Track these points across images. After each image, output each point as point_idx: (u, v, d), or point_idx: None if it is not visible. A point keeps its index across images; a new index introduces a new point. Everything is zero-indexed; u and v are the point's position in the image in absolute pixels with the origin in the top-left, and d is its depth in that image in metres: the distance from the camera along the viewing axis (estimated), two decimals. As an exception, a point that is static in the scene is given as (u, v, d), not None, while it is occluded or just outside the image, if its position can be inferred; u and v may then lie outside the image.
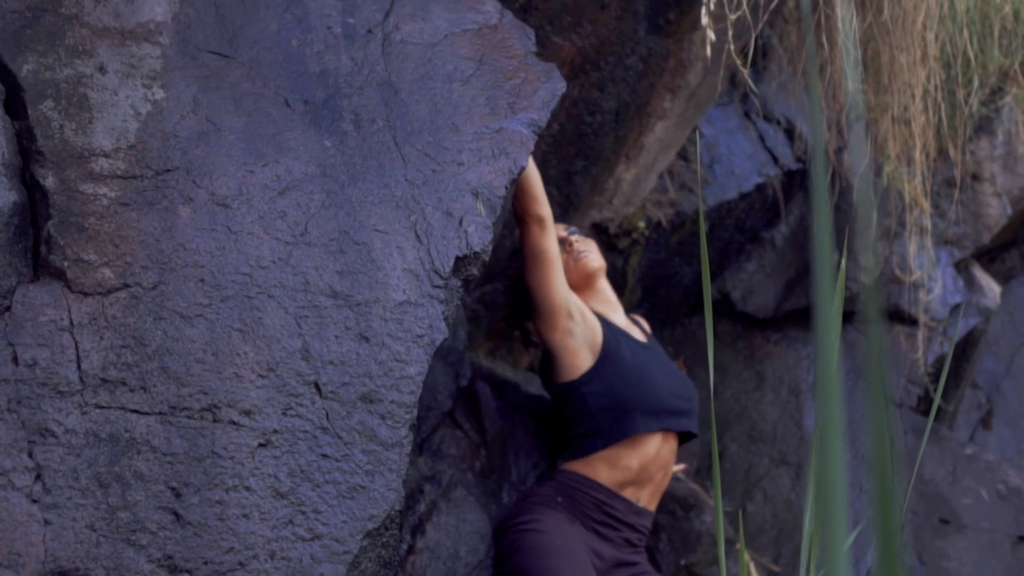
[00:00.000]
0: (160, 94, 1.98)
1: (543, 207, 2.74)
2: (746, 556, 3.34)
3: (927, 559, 3.64)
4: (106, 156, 1.87)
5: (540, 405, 3.10)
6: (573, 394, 2.85)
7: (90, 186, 1.83)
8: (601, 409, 2.81)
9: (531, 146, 2.28)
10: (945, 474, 3.77)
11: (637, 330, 3.04)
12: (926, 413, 3.93)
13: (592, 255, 3.00)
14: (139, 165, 1.89)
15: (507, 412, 3.04)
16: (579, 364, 2.85)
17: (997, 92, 4.22)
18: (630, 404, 2.81)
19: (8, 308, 1.72)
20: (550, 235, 2.77)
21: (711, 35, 2.95)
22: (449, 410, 2.95)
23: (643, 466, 2.82)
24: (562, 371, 2.88)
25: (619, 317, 3.02)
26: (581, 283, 2.98)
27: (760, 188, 3.87)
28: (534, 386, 3.19)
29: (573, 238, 3.01)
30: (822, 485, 0.59)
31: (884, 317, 3.90)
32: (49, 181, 1.81)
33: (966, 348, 4.12)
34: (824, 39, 3.57)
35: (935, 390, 3.98)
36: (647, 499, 2.87)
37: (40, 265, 1.77)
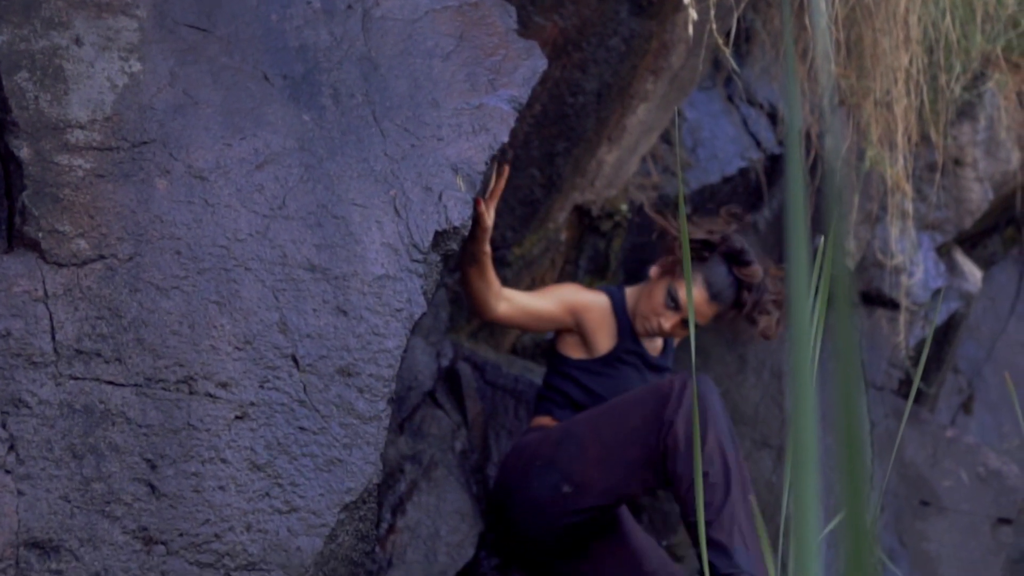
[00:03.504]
0: (137, 67, 1.96)
1: (492, 308, 2.69)
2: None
3: (907, 541, 3.66)
4: (82, 128, 1.86)
5: (521, 386, 3.10)
6: (563, 367, 2.89)
7: (65, 157, 1.82)
8: (577, 400, 2.85)
9: (511, 122, 2.27)
10: (926, 457, 3.79)
11: (658, 339, 3.00)
12: (907, 396, 3.94)
13: (671, 330, 2.86)
14: (115, 137, 1.88)
15: (488, 393, 3.04)
16: (575, 352, 2.89)
17: (979, 77, 4.23)
18: (599, 394, 2.86)
19: (-18, 279, 1.71)
20: (515, 312, 2.75)
21: (693, 15, 2.95)
22: (430, 390, 2.95)
23: None
24: (562, 344, 2.92)
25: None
26: (641, 328, 2.90)
27: (743, 172, 3.87)
28: (516, 367, 3.19)
29: (680, 313, 2.82)
30: (795, 467, 0.59)
31: (858, 301, 3.91)
32: (24, 152, 1.79)
33: (947, 332, 4.13)
34: (806, 22, 3.57)
35: (916, 374, 3.99)
36: None
37: (14, 236, 1.76)
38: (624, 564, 2.66)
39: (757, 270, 2.84)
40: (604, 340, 2.87)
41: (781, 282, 2.95)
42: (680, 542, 3.18)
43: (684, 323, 2.83)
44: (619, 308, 2.91)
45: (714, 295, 2.81)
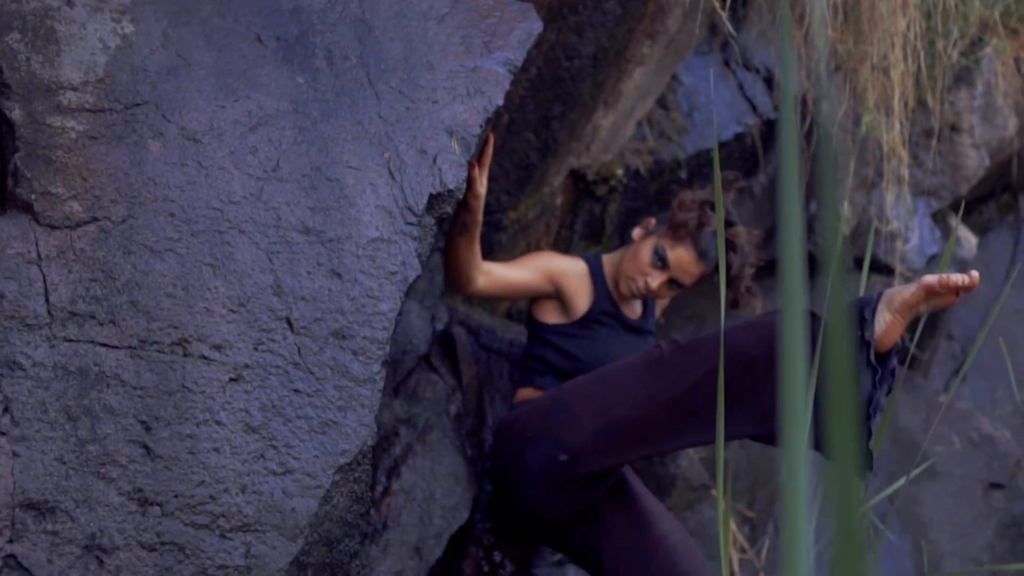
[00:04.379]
0: (129, 28, 1.95)
1: (472, 280, 2.70)
2: (723, 502, 3.37)
3: (899, 504, 3.68)
4: (74, 89, 1.85)
5: (516, 350, 3.10)
6: (540, 332, 2.89)
7: (58, 119, 1.81)
8: (556, 366, 2.85)
9: (506, 85, 2.26)
10: (919, 422, 3.80)
11: (637, 304, 3.01)
12: (901, 362, 3.95)
13: (657, 290, 2.86)
14: (108, 99, 1.87)
15: (483, 356, 3.04)
16: (552, 317, 2.90)
17: (977, 43, 4.21)
18: (576, 355, 2.86)
19: (-25, 241, 1.70)
20: (493, 285, 2.76)
21: (690, -22, 2.93)
22: (425, 354, 2.95)
23: None
24: (538, 310, 2.92)
25: (620, 296, 2.97)
26: (626, 289, 2.91)
27: (739, 137, 3.86)
28: (511, 331, 3.19)
29: (667, 272, 2.83)
30: (786, 432, 0.59)
31: (847, 268, 3.91)
32: (16, 114, 1.78)
33: (942, 298, 4.13)
34: (804, -15, 3.55)
35: (910, 339, 4.00)
36: None
37: (7, 198, 1.75)
38: (635, 528, 2.63)
39: (741, 230, 2.86)
40: (582, 304, 2.88)
41: (756, 247, 2.96)
42: (674, 504, 3.19)
43: (670, 283, 2.83)
44: (596, 273, 2.92)
45: (701, 254, 2.81)
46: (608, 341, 2.88)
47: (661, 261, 2.80)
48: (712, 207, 2.86)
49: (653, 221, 2.90)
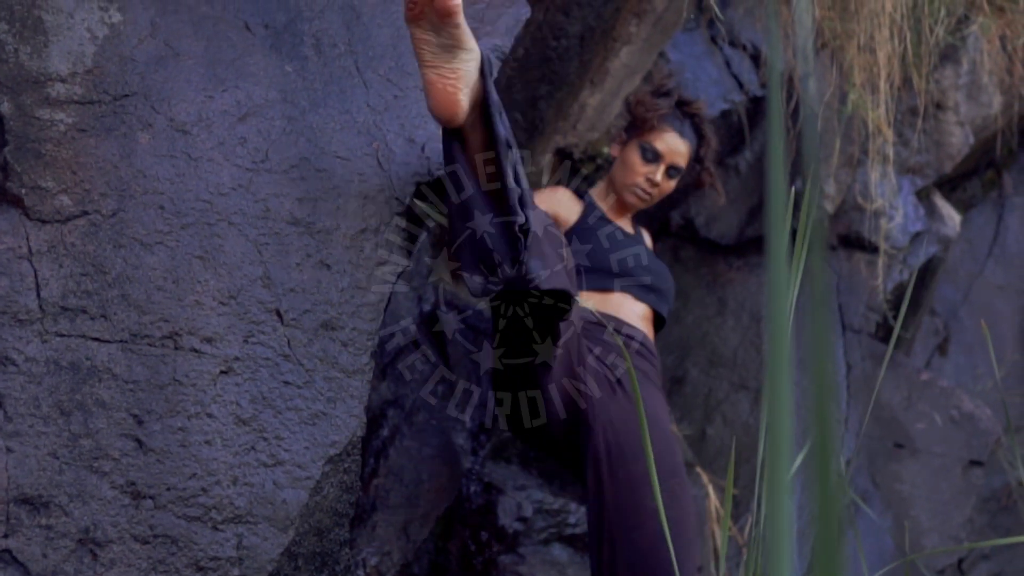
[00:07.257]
0: (117, 17, 1.94)
1: None
2: (704, 478, 3.41)
3: (881, 482, 3.72)
4: (62, 81, 1.84)
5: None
6: None
7: (47, 111, 1.81)
8: None
9: (495, 72, 2.26)
10: (901, 399, 3.84)
11: (630, 227, 3.08)
12: (885, 340, 3.99)
13: (662, 183, 2.95)
14: (96, 90, 1.86)
15: (471, 337, 3.06)
16: None
17: (963, 21, 4.22)
18: (587, 264, 2.83)
19: (-35, 235, 1.70)
20: None
21: (678, -40, 2.93)
22: (412, 335, 2.96)
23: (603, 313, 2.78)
24: None
25: (615, 215, 3.03)
26: (632, 199, 2.96)
27: (725, 114, 3.87)
28: (497, 312, 3.21)
29: (663, 161, 2.92)
30: (770, 410, 0.61)
31: (829, 246, 3.93)
32: (4, 106, 1.78)
33: (925, 276, 4.17)
34: (791, -35, 3.54)
35: (894, 317, 4.03)
36: (629, 319, 2.84)
37: (-3, 191, 1.75)
38: (630, 489, 2.56)
39: (702, 103, 3.00)
40: (573, 214, 2.97)
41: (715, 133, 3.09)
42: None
43: (669, 171, 2.91)
44: (583, 194, 2.99)
45: (681, 132, 2.92)
46: (613, 244, 2.90)
47: (653, 154, 2.91)
48: (664, 94, 2.95)
49: (623, 134, 2.99)
